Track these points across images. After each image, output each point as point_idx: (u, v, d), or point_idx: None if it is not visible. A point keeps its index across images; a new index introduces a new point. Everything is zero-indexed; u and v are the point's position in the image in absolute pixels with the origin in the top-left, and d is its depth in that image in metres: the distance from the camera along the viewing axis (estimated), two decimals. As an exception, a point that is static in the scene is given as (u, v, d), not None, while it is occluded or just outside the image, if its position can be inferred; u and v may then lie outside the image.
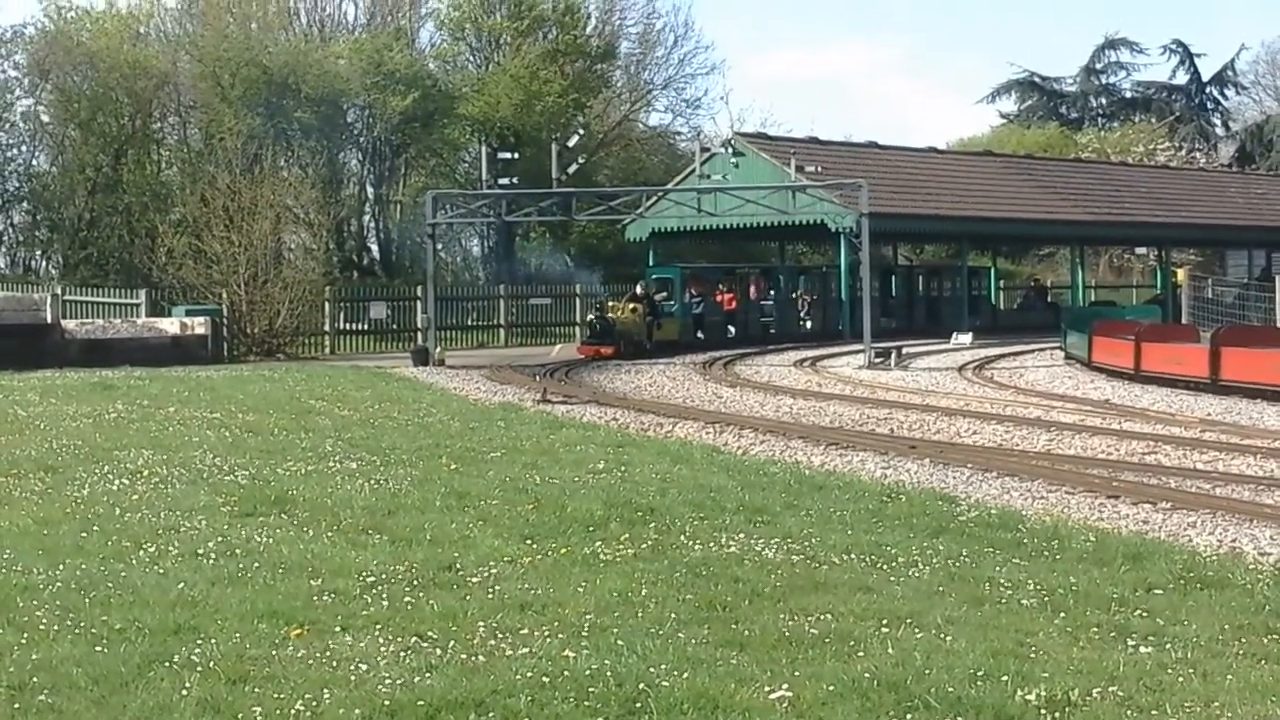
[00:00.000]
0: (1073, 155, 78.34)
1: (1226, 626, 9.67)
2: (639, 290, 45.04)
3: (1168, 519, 14.33)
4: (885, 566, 11.48)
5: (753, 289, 52.30)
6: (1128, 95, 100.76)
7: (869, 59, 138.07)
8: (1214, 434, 22.08)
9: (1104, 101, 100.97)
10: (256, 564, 11.45)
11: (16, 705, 7.90)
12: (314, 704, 7.91)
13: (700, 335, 47.37)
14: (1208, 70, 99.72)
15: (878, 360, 37.80)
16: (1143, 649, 9.11)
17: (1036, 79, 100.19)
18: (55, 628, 9.49)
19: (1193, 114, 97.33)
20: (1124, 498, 15.46)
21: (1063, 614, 9.95)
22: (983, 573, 11.23)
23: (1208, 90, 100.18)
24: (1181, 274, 48.87)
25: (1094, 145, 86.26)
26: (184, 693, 8.11)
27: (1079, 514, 14.50)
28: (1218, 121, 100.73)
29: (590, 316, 44.24)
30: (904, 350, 40.09)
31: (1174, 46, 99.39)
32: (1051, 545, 12.34)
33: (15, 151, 57.69)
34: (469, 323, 51.66)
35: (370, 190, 65.05)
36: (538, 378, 32.74)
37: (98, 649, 9.00)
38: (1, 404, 24.95)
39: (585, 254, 62.36)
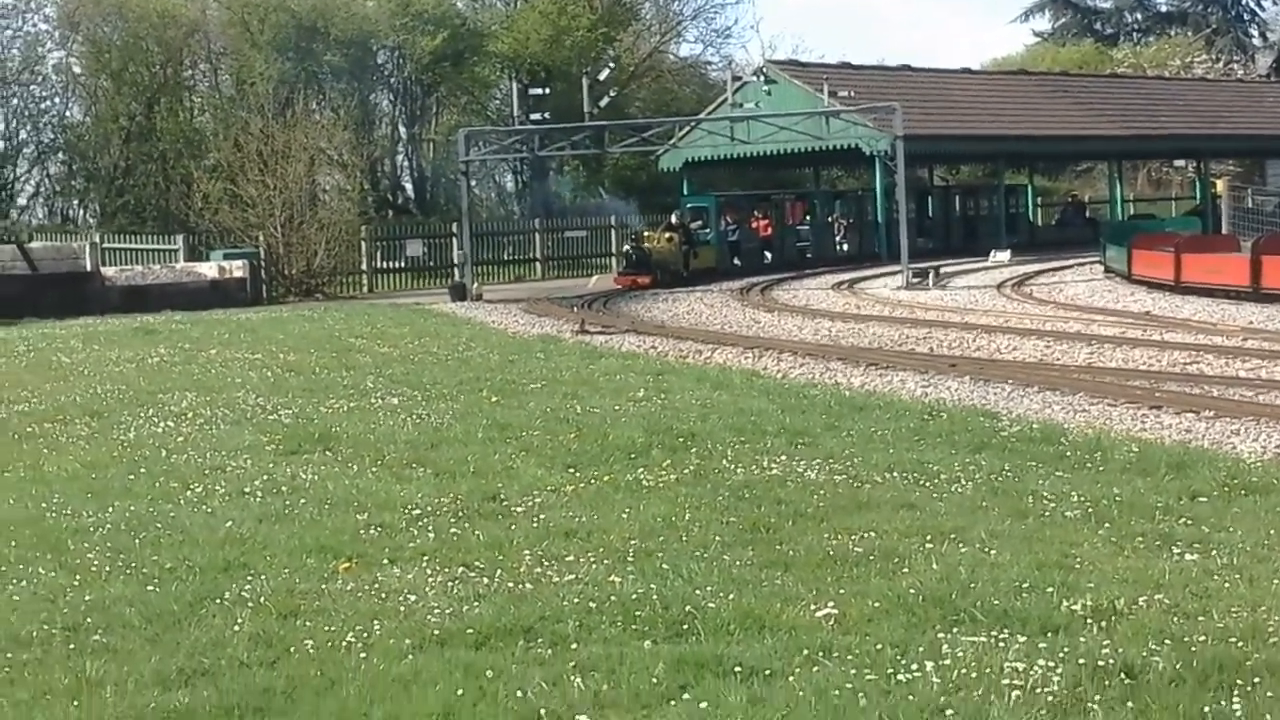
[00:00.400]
0: (1108, 71, 77.64)
1: (1272, 532, 9.65)
2: (674, 220, 44.93)
3: (1211, 427, 14.29)
4: (928, 484, 11.50)
5: (791, 214, 52.10)
6: (1163, 9, 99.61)
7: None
8: (1256, 341, 22.00)
9: (1139, 16, 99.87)
10: (303, 500, 11.55)
11: (72, 646, 7.99)
12: (364, 635, 7.99)
13: (737, 262, 47.19)
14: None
15: (915, 280, 37.69)
16: (1188, 556, 9.11)
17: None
18: (107, 569, 9.60)
19: (1229, 25, 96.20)
20: (1167, 408, 15.42)
21: (1107, 525, 9.96)
22: (1026, 486, 11.24)
23: (1244, 1, 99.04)
24: (1221, 185, 48.53)
25: (1130, 61, 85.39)
26: (236, 628, 8.20)
27: (1121, 426, 14.49)
28: (1255, 32, 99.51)
29: (626, 247, 44.14)
30: (941, 270, 39.95)
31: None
32: (1094, 457, 12.33)
33: (49, 103, 58.01)
34: (505, 257, 51.58)
35: (403, 130, 64.99)
36: (575, 309, 32.72)
37: (149, 588, 9.11)
38: (45, 351, 25.12)
39: (619, 186, 62.19)
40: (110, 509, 11.40)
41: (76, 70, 58.16)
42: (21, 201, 57.67)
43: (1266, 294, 28.53)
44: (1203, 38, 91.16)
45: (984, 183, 65.68)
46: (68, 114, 58.77)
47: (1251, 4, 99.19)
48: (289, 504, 11.45)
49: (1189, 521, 10.02)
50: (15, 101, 56.34)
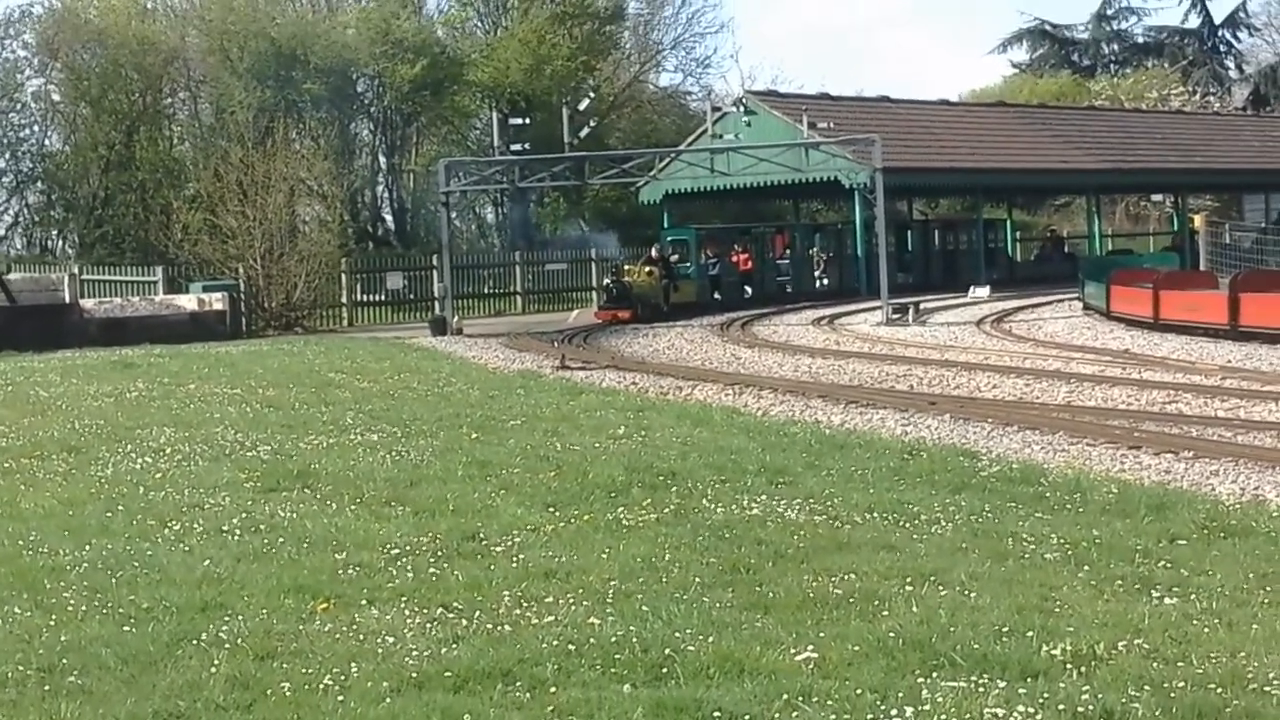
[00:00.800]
0: (1086, 103, 77.98)
1: (1251, 575, 9.66)
2: (653, 253, 44.97)
3: (1190, 468, 14.30)
4: (908, 524, 11.49)
5: (770, 248, 52.14)
6: (1140, 41, 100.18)
7: (878, 12, 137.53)
8: (1234, 381, 22.03)
9: (1116, 48, 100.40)
10: (281, 539, 11.51)
11: (47, 687, 7.94)
12: (342, 678, 7.94)
13: (717, 296, 47.28)
14: (1219, 13, 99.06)
15: (895, 316, 37.76)
16: (1167, 600, 9.11)
17: (1047, 27, 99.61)
18: (83, 608, 9.55)
19: (1205, 58, 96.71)
20: (1146, 448, 15.43)
21: (1087, 567, 9.95)
22: (1005, 528, 11.24)
23: (1220, 33, 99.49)
24: (1198, 220, 48.62)
25: (1107, 93, 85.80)
26: (213, 670, 8.15)
27: (1101, 466, 14.50)
28: (1231, 65, 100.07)
29: (607, 281, 44.19)
30: (921, 305, 40.05)
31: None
32: (1074, 498, 12.34)
33: (28, 131, 57.87)
34: (485, 290, 51.64)
35: (383, 160, 64.99)
36: (556, 344, 32.74)
37: (126, 629, 9.06)
38: (23, 385, 25.04)
39: (600, 217, 62.27)
40: (87, 547, 11.34)
41: (55, 98, 58.06)
42: (0, 232, 57.54)
43: (1244, 332, 28.61)
44: (1179, 70, 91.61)
45: (963, 217, 65.90)
46: (47, 142, 58.70)
47: (1228, 36, 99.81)
48: (267, 542, 11.40)
49: (1168, 564, 10.02)
50: (-6, 130, 56.27)
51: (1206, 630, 8.45)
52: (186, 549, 11.28)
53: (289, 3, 63.70)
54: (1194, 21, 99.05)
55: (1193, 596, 9.17)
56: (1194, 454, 14.92)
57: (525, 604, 9.37)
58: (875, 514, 11.89)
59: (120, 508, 12.98)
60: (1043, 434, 16.73)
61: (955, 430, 17.37)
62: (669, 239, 48.65)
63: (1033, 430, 17.01)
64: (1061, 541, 10.67)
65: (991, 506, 12.08)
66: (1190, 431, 16.71)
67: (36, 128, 58.19)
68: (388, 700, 7.60)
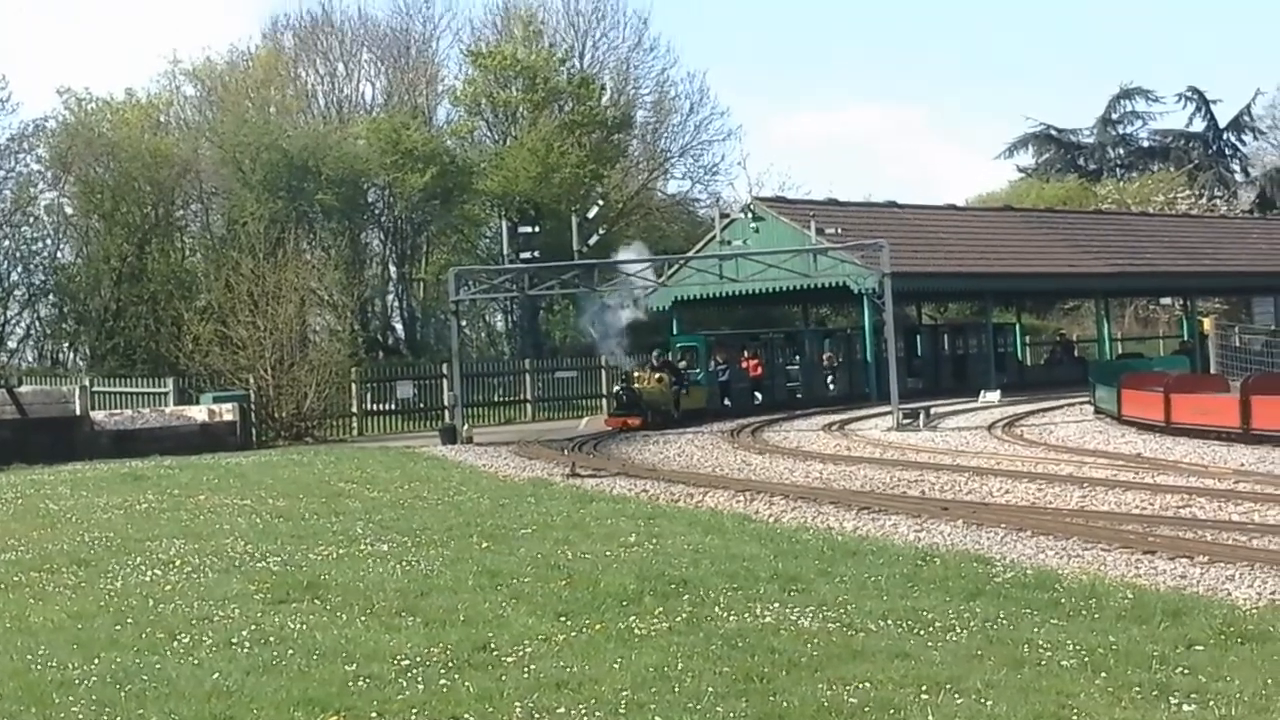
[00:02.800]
0: (1093, 207, 78.35)
1: (1270, 681, 9.57)
2: (654, 359, 44.78)
3: (1205, 573, 14.21)
4: (922, 631, 11.41)
5: (780, 354, 52.16)
6: (1145, 144, 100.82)
7: (885, 119, 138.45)
8: (1248, 485, 21.95)
9: (1122, 152, 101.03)
10: (291, 651, 11.43)
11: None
12: (353, 793, 7.87)
13: (727, 402, 47.30)
14: (1224, 116, 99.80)
15: (906, 421, 37.68)
16: (1185, 707, 9.03)
17: (1053, 131, 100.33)
18: (92, 724, 9.48)
19: (1211, 161, 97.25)
20: (1160, 553, 15.35)
21: (1103, 674, 9.87)
22: (1021, 634, 11.15)
23: (1225, 136, 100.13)
24: (1208, 323, 48.67)
25: (1114, 196, 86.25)
26: (222, 786, 8.08)
27: (1116, 571, 14.42)
28: (1237, 167, 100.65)
29: (616, 388, 44.17)
30: (932, 410, 39.99)
31: (1189, 94, 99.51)
32: (1089, 604, 12.25)
33: (40, 245, 58.08)
34: (495, 398, 51.63)
35: (393, 269, 65.26)
36: (566, 451, 32.67)
37: (134, 744, 8.99)
38: (33, 498, 25.02)
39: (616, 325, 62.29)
40: (96, 660, 11.28)
41: (68, 211, 58.33)
42: (11, 344, 57.64)
43: (1257, 435, 28.54)
44: (1185, 173, 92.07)
45: (972, 321, 66.00)
46: (59, 255, 58.89)
47: (1233, 140, 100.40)
48: (277, 654, 11.33)
49: (1186, 671, 9.93)
50: (6, 243, 56.41)
51: (1226, 738, 8.36)
52: (196, 662, 11.21)
53: (300, 115, 64.28)
54: (1199, 125, 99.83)
55: (1211, 703, 9.09)
56: (1209, 558, 14.84)
57: (537, 715, 9.30)
58: (889, 621, 11.80)
59: (129, 621, 12.92)
60: (1056, 539, 16.64)
61: (968, 536, 17.29)
62: (678, 345, 48.70)
63: (1046, 536, 16.93)
64: (1077, 648, 10.59)
65: (1006, 613, 11.99)
66: (1205, 536, 16.63)
67: (49, 241, 58.45)
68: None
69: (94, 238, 57.14)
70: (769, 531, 18.00)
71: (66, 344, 58.76)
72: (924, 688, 9.60)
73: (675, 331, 53.49)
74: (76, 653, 11.62)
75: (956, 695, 9.43)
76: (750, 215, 52.14)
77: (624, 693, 9.75)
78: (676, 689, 9.85)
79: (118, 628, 12.63)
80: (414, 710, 9.54)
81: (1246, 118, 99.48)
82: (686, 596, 13.16)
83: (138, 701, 10.02)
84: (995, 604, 12.41)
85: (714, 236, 51.08)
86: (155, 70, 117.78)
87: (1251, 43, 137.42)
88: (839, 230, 50.00)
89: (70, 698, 10.16)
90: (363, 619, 12.71)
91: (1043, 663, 10.28)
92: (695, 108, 73.35)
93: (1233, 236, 70.70)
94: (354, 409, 46.72)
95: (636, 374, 43.63)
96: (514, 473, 28.49)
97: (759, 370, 50.11)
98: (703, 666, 10.45)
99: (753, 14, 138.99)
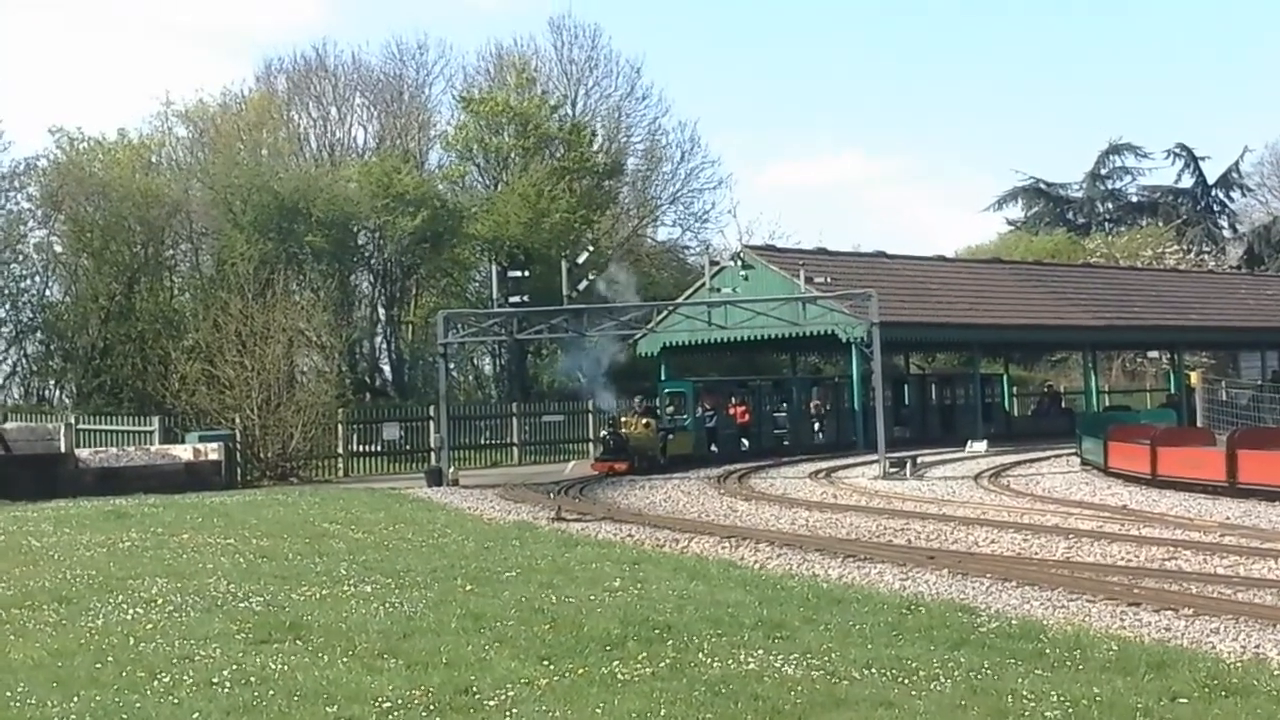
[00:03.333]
0: (1081, 260, 78.55)
1: (1254, 735, 9.54)
2: (637, 404, 44.68)
3: (1190, 626, 14.19)
4: (906, 681, 11.37)
5: (767, 401, 52.14)
6: (1134, 200, 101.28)
7: (875, 170, 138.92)
8: (1234, 538, 21.95)
9: (1110, 206, 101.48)
10: (272, 692, 11.36)
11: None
12: (331, 835, 7.81)
13: (714, 448, 47.29)
14: (1213, 173, 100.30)
15: (893, 470, 37.68)
16: (1170, 760, 8.99)
17: (1042, 185, 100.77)
18: (69, 762, 9.41)
19: (1199, 217, 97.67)
20: (1145, 605, 15.33)
21: (1087, 726, 9.84)
22: (1005, 685, 11.11)
23: (1213, 193, 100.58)
24: (1195, 376, 48.80)
25: (1102, 250, 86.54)
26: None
27: (1100, 623, 14.38)
28: (1225, 223, 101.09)
29: (604, 433, 44.13)
30: (919, 460, 40.01)
31: (1178, 150, 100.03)
32: (1074, 655, 12.22)
33: (29, 282, 57.94)
34: (482, 441, 51.59)
35: (382, 311, 65.22)
36: (551, 495, 32.63)
37: (112, 783, 8.92)
38: (15, 535, 24.92)
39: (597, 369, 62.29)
40: (76, 699, 11.21)
41: (58, 249, 58.28)
42: (-1, 381, 57.57)
43: (1242, 489, 28.57)
44: (1173, 228, 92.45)
45: (960, 371, 66.09)
46: (48, 292, 58.74)
47: (1221, 196, 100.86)
48: (258, 695, 11.26)
49: (1170, 723, 9.90)
50: (-5, 281, 56.46)
51: (1210, 791, 8.33)
52: (175, 701, 11.14)
53: (292, 157, 64.36)
54: (1187, 181, 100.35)
55: (1195, 756, 9.05)
56: (1194, 611, 14.82)
57: (518, 760, 9.23)
58: (873, 670, 11.76)
59: (110, 659, 12.83)
60: (1042, 590, 16.61)
61: (953, 585, 17.26)
62: (666, 391, 48.74)
63: (1031, 586, 16.90)
64: (1062, 699, 10.55)
65: (990, 663, 11.96)
66: (1190, 589, 16.61)
67: (38, 278, 58.31)
68: None
69: (83, 276, 57.04)
70: (754, 578, 17.94)
71: (53, 381, 58.62)
72: (907, 737, 9.56)
73: (664, 377, 53.51)
74: (56, 690, 11.54)
75: (940, 745, 9.38)
76: (740, 263, 52.21)
77: (606, 738, 9.70)
78: (659, 735, 9.80)
79: (98, 666, 12.55)
80: (394, 753, 9.48)
81: (1235, 174, 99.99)
82: (670, 642, 13.11)
83: (116, 740, 9.95)
84: (980, 654, 12.37)
85: (704, 284, 51.15)
86: (148, 111, 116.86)
87: (1240, 101, 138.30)
88: (828, 279, 50.15)
89: (48, 735, 10.09)
90: (345, 660, 12.64)
91: (1027, 713, 10.24)
92: (686, 156, 73.73)
93: (1220, 292, 70.94)
94: (340, 450, 46.62)
95: (624, 419, 43.59)
96: (499, 516, 28.42)
97: (746, 417, 50.15)
98: (686, 713, 10.41)
99: (745, 65, 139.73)
